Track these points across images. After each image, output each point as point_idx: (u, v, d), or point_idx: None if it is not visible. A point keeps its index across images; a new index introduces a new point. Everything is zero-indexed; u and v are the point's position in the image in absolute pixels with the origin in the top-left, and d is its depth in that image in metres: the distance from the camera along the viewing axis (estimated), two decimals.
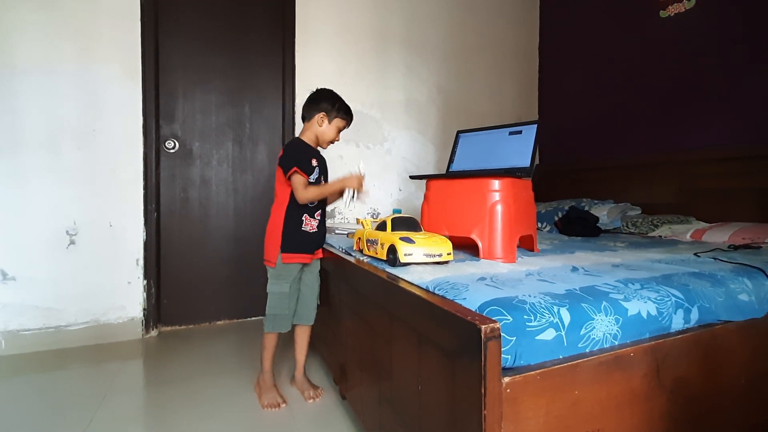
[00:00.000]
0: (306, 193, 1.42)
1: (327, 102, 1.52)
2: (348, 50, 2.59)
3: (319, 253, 1.60)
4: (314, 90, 1.56)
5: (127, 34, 2.09)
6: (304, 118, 1.55)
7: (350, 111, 1.57)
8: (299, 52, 2.47)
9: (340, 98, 1.55)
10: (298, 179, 1.42)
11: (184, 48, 2.28)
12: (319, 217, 1.54)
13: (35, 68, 1.93)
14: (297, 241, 1.48)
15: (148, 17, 2.13)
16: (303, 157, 1.46)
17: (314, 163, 1.49)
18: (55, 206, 1.98)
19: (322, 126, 1.52)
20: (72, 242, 2.01)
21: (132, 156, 2.12)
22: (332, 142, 1.57)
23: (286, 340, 1.96)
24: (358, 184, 1.47)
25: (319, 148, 1.57)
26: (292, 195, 1.45)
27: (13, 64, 1.90)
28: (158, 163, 2.24)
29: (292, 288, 1.50)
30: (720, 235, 1.67)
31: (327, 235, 1.83)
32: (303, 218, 1.48)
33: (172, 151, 2.28)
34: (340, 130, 1.56)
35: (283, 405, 1.46)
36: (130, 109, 2.11)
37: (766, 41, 1.89)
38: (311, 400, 1.51)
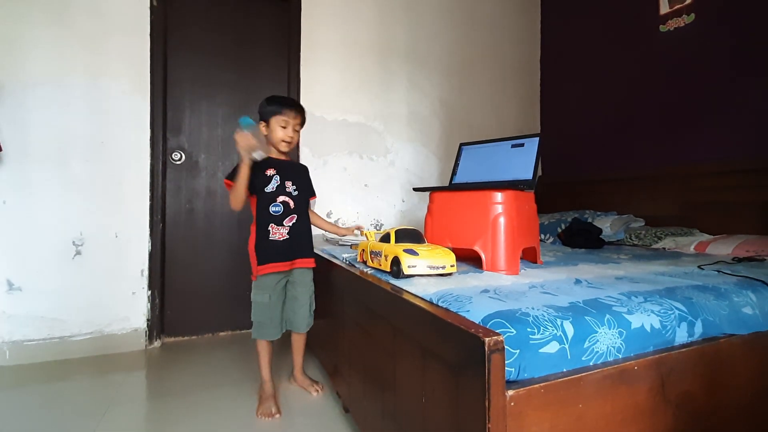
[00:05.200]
0: (233, 199, 1.43)
1: (261, 109, 1.53)
2: (352, 64, 2.64)
3: (303, 263, 1.58)
4: None
5: (137, 49, 2.14)
6: None
7: (287, 101, 1.52)
8: (304, 66, 2.51)
9: (274, 97, 1.55)
10: (231, 191, 1.43)
11: (191, 62, 2.32)
12: (289, 224, 1.52)
13: (46, 82, 1.98)
14: (268, 252, 1.49)
15: (157, 33, 2.18)
16: (237, 169, 1.43)
17: (270, 172, 1.50)
18: (62, 217, 2.00)
19: (267, 132, 1.52)
20: (78, 253, 2.03)
21: (139, 168, 2.15)
22: (287, 141, 1.52)
23: (285, 348, 1.95)
24: (243, 144, 1.37)
25: (282, 157, 1.56)
26: (257, 209, 1.50)
27: (24, 78, 1.94)
28: (164, 175, 2.27)
29: (272, 298, 1.52)
30: (724, 248, 1.67)
31: (331, 246, 1.87)
32: (269, 228, 1.49)
33: (178, 162, 2.31)
34: (284, 126, 1.50)
35: (277, 416, 1.46)
36: (138, 122, 2.14)
37: (766, 55, 1.91)
38: (316, 393, 1.62)
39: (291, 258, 1.54)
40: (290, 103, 1.54)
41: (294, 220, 1.54)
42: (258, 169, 1.47)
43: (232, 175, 1.45)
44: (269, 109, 1.51)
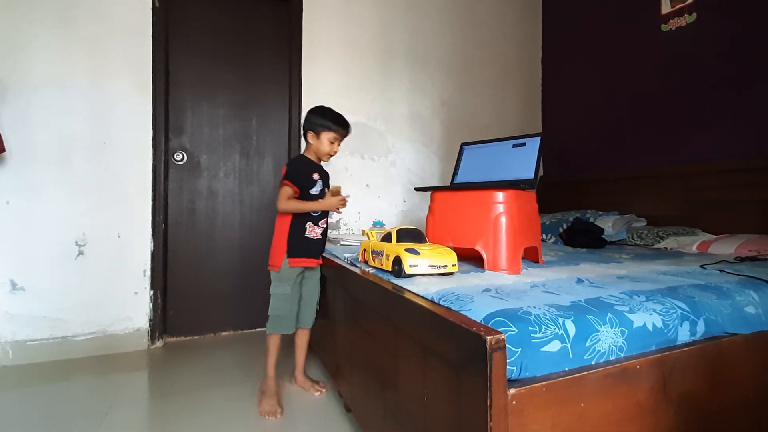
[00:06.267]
0: (286, 204, 1.53)
1: (312, 119, 1.61)
2: (353, 65, 2.64)
3: (320, 261, 1.69)
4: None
5: (139, 50, 2.14)
6: (304, 137, 1.66)
7: (339, 120, 1.62)
8: (305, 66, 2.51)
9: (327, 111, 1.62)
10: (285, 190, 1.54)
11: (193, 63, 2.33)
12: (323, 226, 1.64)
13: (49, 83, 1.98)
14: (302, 247, 1.58)
15: (158, 34, 2.19)
16: (299, 171, 1.57)
17: (315, 176, 1.60)
18: (64, 218, 2.01)
19: (314, 142, 1.61)
20: (81, 253, 2.04)
21: (141, 168, 2.15)
22: (331, 154, 1.63)
23: (286, 349, 1.96)
24: (336, 207, 1.59)
25: (322, 162, 1.67)
26: None
27: (28, 79, 1.95)
28: (166, 175, 2.27)
29: (293, 290, 1.59)
30: (726, 247, 1.67)
31: (333, 246, 1.90)
32: (307, 226, 1.59)
33: (180, 163, 2.31)
34: (332, 142, 1.61)
35: (280, 415, 1.47)
36: (140, 123, 2.15)
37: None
38: (318, 393, 1.63)
39: (318, 256, 1.66)
40: (343, 123, 1.63)
41: (325, 224, 1.66)
42: (307, 171, 1.58)
43: (293, 179, 1.54)
44: (322, 123, 1.59)
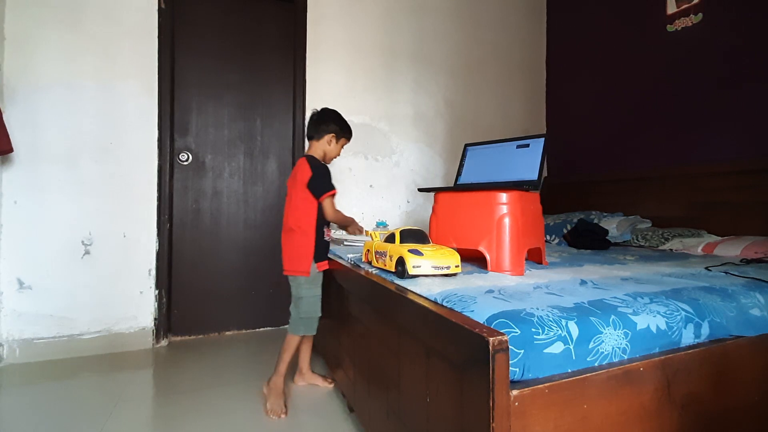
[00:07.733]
0: (336, 214, 1.61)
1: (335, 124, 1.65)
2: (357, 65, 2.65)
3: None
4: (318, 110, 1.69)
5: (145, 51, 2.16)
6: (311, 137, 1.66)
7: (350, 130, 1.71)
8: (310, 67, 2.52)
9: (344, 119, 1.69)
10: (331, 201, 1.59)
11: (198, 64, 2.35)
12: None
13: (57, 84, 2.01)
14: (324, 250, 1.64)
15: (165, 35, 2.21)
16: (329, 176, 1.62)
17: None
18: (71, 217, 2.03)
19: (331, 145, 1.65)
20: (87, 252, 2.06)
21: (147, 168, 2.17)
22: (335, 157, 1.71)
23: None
24: (356, 231, 1.73)
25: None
26: (318, 209, 1.59)
27: (36, 81, 1.97)
28: (172, 175, 2.29)
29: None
30: (732, 249, 1.65)
31: (336, 246, 1.91)
32: (325, 230, 1.63)
33: (185, 163, 2.33)
34: (342, 148, 1.71)
35: (284, 415, 1.48)
36: (146, 123, 2.17)
37: None
38: (330, 384, 1.71)
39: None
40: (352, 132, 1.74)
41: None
42: (330, 177, 1.62)
43: (330, 187, 1.59)
44: (343, 132, 1.67)
